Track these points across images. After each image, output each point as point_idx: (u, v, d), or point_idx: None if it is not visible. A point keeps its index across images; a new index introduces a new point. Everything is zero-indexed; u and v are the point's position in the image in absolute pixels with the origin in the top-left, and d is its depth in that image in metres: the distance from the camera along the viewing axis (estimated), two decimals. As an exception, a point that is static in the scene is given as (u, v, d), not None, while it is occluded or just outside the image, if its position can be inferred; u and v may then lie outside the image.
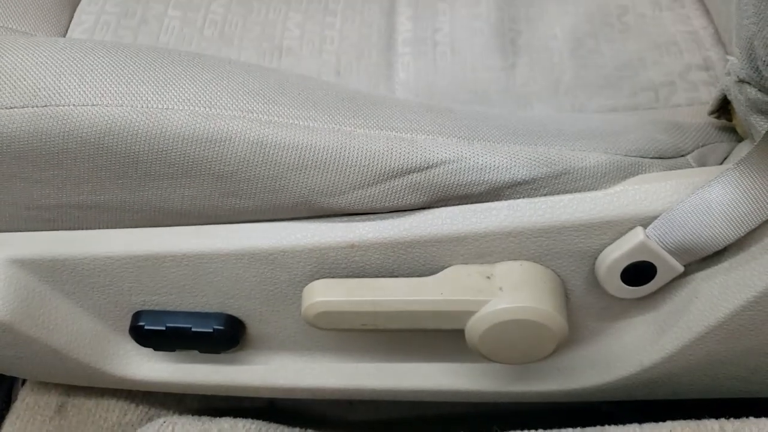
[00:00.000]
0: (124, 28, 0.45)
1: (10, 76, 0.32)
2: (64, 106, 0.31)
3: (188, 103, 0.31)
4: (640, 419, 0.35)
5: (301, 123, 0.32)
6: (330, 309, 0.34)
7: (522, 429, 0.36)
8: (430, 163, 0.32)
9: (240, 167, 0.32)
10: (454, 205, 0.33)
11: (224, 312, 0.39)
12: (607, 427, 0.34)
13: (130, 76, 0.32)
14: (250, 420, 0.38)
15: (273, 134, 0.31)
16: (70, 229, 0.37)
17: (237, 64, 0.35)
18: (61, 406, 0.49)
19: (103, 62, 0.32)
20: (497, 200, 0.33)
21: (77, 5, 0.47)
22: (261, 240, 0.34)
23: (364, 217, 0.34)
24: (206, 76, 0.33)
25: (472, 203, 0.33)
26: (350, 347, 0.41)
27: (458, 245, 0.33)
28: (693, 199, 0.31)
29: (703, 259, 0.33)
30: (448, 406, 0.50)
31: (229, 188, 0.33)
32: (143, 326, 0.38)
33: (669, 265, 0.32)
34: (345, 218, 0.34)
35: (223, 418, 0.38)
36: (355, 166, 0.32)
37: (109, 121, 0.31)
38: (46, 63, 0.32)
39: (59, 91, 0.31)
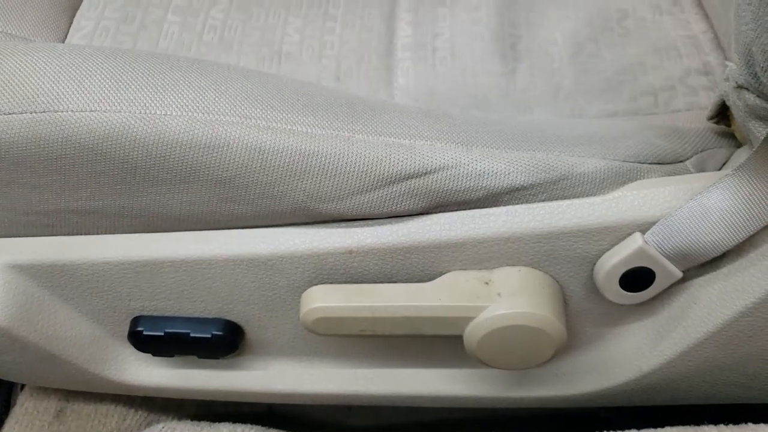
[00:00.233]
0: (124, 33, 0.46)
1: (8, 82, 0.32)
2: (62, 112, 0.31)
3: (186, 109, 0.31)
4: (639, 425, 0.35)
5: (299, 129, 0.32)
6: (328, 315, 0.34)
7: (520, 435, 0.36)
8: (429, 169, 0.32)
9: (238, 173, 0.32)
10: (452, 210, 0.33)
11: (223, 317, 0.39)
12: (605, 433, 0.34)
13: (128, 82, 0.32)
14: (249, 425, 0.38)
15: (271, 140, 0.31)
16: (68, 234, 0.37)
17: (236, 69, 0.35)
18: (60, 411, 0.49)
19: (102, 68, 0.32)
20: (495, 206, 0.33)
21: (77, 10, 0.47)
22: (259, 246, 0.34)
23: (362, 222, 0.34)
24: (205, 81, 0.33)
25: (470, 209, 0.33)
26: (349, 353, 0.41)
27: (456, 251, 0.33)
28: (691, 205, 0.31)
29: (702, 264, 0.33)
30: (446, 412, 0.50)
31: (227, 194, 0.33)
32: (142, 332, 0.38)
33: (667, 271, 0.32)
34: (343, 224, 0.34)
35: (222, 424, 0.38)
36: (354, 171, 0.32)
37: (108, 127, 0.31)
38: (45, 69, 0.32)
39: (58, 97, 0.31)
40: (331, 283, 0.35)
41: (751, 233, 0.31)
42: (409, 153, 0.32)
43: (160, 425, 0.38)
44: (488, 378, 0.40)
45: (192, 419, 0.39)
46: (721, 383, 0.37)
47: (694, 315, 0.34)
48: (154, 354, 0.40)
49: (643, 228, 0.32)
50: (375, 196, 0.33)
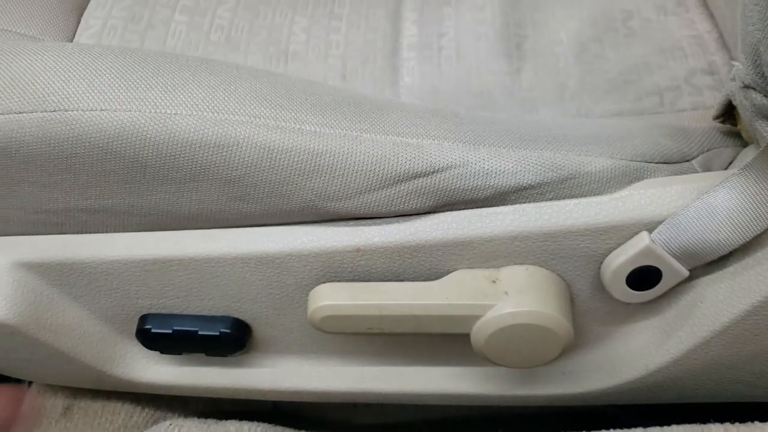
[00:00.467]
0: (131, 32, 0.46)
1: (19, 82, 0.32)
2: (72, 111, 0.31)
3: (196, 108, 0.32)
4: (645, 423, 0.35)
5: (308, 128, 0.32)
6: (336, 313, 0.34)
7: (527, 433, 0.36)
8: (436, 168, 0.32)
9: (247, 172, 0.32)
10: (459, 209, 0.33)
11: (231, 315, 0.39)
12: (611, 431, 0.34)
13: (138, 81, 0.32)
14: (255, 423, 0.38)
15: (280, 139, 0.32)
16: (77, 232, 0.37)
17: (244, 69, 0.35)
18: (67, 409, 0.49)
19: (112, 67, 0.33)
20: (503, 205, 0.33)
21: (84, 10, 0.47)
22: (268, 244, 0.34)
23: (370, 221, 0.34)
24: (214, 81, 0.33)
25: (477, 208, 0.33)
26: (356, 351, 0.41)
27: (464, 249, 0.33)
28: (698, 204, 0.31)
29: (709, 263, 0.33)
30: (453, 410, 0.50)
31: (236, 193, 0.33)
32: (150, 329, 0.39)
33: (674, 270, 0.33)
34: (351, 222, 0.34)
35: (229, 421, 0.38)
36: (362, 170, 0.32)
37: (118, 126, 0.31)
38: (55, 68, 0.32)
39: (68, 96, 0.31)
40: (338, 281, 0.35)
41: (758, 232, 0.31)
42: (416, 152, 0.32)
43: (167, 422, 0.38)
44: (495, 376, 0.41)
45: (199, 416, 0.39)
46: (727, 381, 0.37)
47: (700, 313, 0.34)
48: (162, 352, 0.41)
49: (650, 227, 0.32)
50: (383, 195, 0.33)
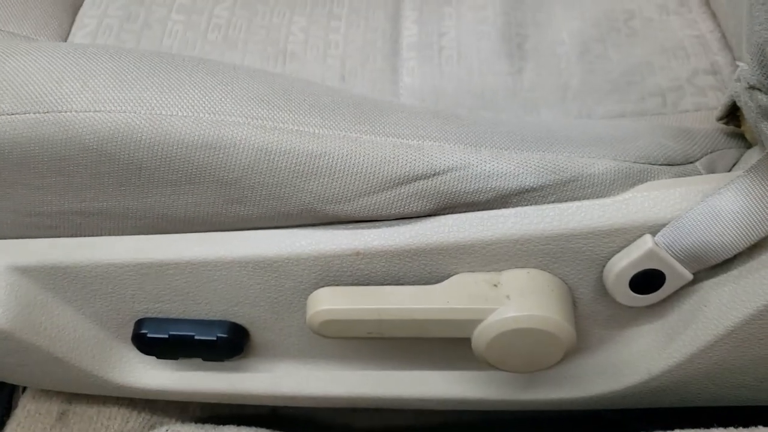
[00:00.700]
0: (127, 32, 0.45)
1: (11, 82, 0.32)
2: (66, 112, 0.31)
3: (192, 109, 0.31)
4: (646, 427, 0.34)
5: (306, 129, 0.32)
6: (335, 317, 0.33)
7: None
8: (437, 170, 0.32)
9: (244, 174, 0.32)
10: (460, 212, 0.33)
11: (228, 320, 0.38)
12: (614, 436, 0.34)
13: (133, 81, 0.32)
14: (253, 428, 0.38)
15: (278, 141, 0.31)
16: (72, 235, 0.36)
17: (241, 69, 0.35)
18: (62, 414, 0.49)
19: (106, 68, 0.32)
20: (504, 207, 0.33)
21: (79, 9, 0.46)
22: (265, 247, 0.34)
23: (369, 224, 0.34)
24: (210, 81, 0.32)
25: (479, 210, 0.33)
26: (355, 355, 0.41)
27: (465, 253, 0.33)
28: (702, 207, 0.31)
29: (712, 267, 0.32)
30: (453, 414, 0.50)
31: (233, 195, 0.33)
32: (146, 334, 0.38)
33: (678, 273, 0.32)
34: (350, 226, 0.34)
35: (226, 427, 0.38)
36: (361, 173, 0.32)
37: (112, 128, 0.31)
38: (48, 69, 0.32)
39: (61, 97, 0.31)
40: (337, 285, 0.35)
41: (763, 235, 0.30)
42: (417, 154, 0.32)
43: (164, 428, 0.38)
44: (496, 380, 0.40)
45: (196, 422, 0.39)
46: (730, 386, 0.37)
47: (704, 317, 0.33)
48: (159, 356, 0.40)
49: (654, 230, 0.31)
50: (382, 198, 0.32)
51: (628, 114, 0.41)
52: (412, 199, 0.32)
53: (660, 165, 0.33)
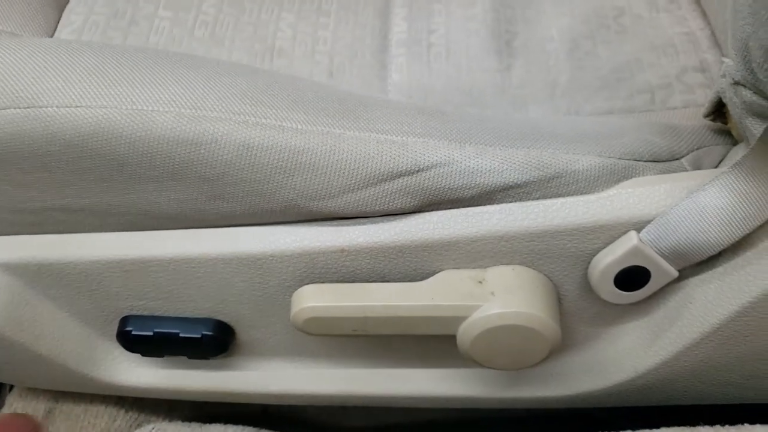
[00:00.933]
0: (114, 28, 0.45)
1: None
2: (46, 107, 0.30)
3: (173, 105, 0.31)
4: (634, 425, 0.34)
5: (289, 125, 0.31)
6: (320, 314, 0.33)
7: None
8: (421, 167, 0.32)
9: (227, 170, 0.31)
10: (445, 208, 0.33)
11: (213, 317, 0.38)
12: (600, 433, 0.34)
13: (114, 77, 0.31)
14: (240, 426, 0.38)
15: (260, 136, 0.31)
16: (55, 232, 0.36)
17: (225, 64, 0.35)
18: (49, 412, 0.48)
19: (88, 63, 0.32)
20: (489, 204, 0.33)
21: (65, 5, 0.46)
22: (249, 244, 0.34)
23: (354, 221, 0.33)
24: (192, 76, 0.32)
25: (463, 207, 0.33)
26: (342, 353, 0.40)
27: (449, 250, 0.33)
28: (687, 203, 0.31)
29: (698, 263, 0.32)
30: (441, 412, 0.50)
31: (216, 191, 0.33)
32: (130, 331, 0.38)
33: (663, 270, 0.32)
34: (335, 222, 0.34)
35: (213, 425, 0.38)
36: (345, 169, 0.32)
37: (93, 123, 0.30)
38: (29, 63, 0.31)
39: (42, 92, 0.31)
40: (322, 282, 0.34)
41: (748, 231, 0.30)
42: (401, 150, 0.32)
43: (150, 426, 0.37)
44: (482, 378, 0.40)
45: (184, 420, 0.39)
46: (717, 383, 0.37)
47: (689, 314, 0.33)
48: (144, 354, 0.40)
49: (639, 226, 0.31)
50: (366, 194, 0.32)
51: (616, 111, 0.41)
52: (397, 195, 0.32)
53: (645, 161, 0.33)
